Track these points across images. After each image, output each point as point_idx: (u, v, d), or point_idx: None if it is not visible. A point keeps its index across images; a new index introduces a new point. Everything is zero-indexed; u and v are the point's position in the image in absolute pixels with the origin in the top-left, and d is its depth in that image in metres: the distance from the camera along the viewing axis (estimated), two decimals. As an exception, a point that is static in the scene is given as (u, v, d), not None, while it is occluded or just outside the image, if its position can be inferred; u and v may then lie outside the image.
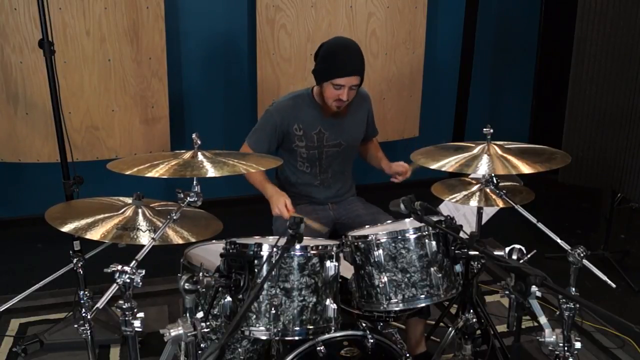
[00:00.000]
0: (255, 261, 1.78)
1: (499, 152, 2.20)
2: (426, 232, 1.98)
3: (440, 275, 1.98)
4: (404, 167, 2.72)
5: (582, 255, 1.81)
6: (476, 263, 2.08)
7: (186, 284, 1.66)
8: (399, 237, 1.98)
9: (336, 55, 2.53)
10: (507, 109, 5.06)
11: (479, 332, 2.27)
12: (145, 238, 1.80)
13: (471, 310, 2.22)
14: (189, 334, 1.67)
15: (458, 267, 2.05)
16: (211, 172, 1.84)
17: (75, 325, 1.96)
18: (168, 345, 1.81)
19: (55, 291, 3.17)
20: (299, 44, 3.94)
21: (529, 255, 1.80)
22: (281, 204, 2.43)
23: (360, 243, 2.00)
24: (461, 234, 1.94)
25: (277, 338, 1.84)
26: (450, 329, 2.26)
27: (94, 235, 1.79)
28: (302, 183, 2.75)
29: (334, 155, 2.72)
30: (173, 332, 1.66)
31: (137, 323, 1.63)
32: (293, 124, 2.63)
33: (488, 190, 2.30)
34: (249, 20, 4.09)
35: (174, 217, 1.78)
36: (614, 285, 1.95)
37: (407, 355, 2.00)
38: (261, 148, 2.64)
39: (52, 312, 3.06)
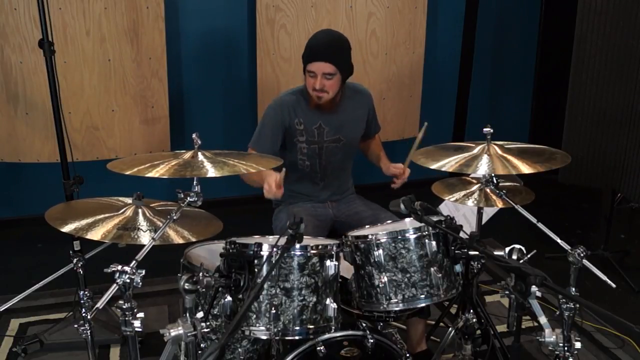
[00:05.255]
0: (255, 261, 1.78)
1: (499, 152, 2.20)
2: (426, 232, 1.98)
3: (440, 275, 1.98)
4: (400, 168, 2.70)
5: (582, 255, 1.81)
6: (476, 263, 2.07)
7: (186, 284, 1.66)
8: (399, 237, 1.98)
9: (311, 42, 2.59)
10: (507, 109, 5.06)
11: (479, 332, 2.27)
12: (145, 238, 1.80)
13: (471, 310, 2.22)
14: (189, 334, 1.67)
15: (458, 267, 2.05)
16: (211, 172, 1.84)
17: (75, 325, 1.96)
18: (168, 345, 1.81)
19: (55, 291, 3.17)
20: (299, 44, 3.94)
21: (529, 255, 1.80)
22: (271, 179, 2.32)
23: (360, 243, 2.00)
24: (461, 234, 1.94)
25: (277, 338, 1.84)
26: (450, 329, 2.26)
27: (94, 235, 1.80)
28: (301, 181, 2.75)
29: (334, 151, 2.72)
30: (173, 332, 1.66)
31: (137, 323, 1.64)
32: (294, 118, 2.64)
33: (488, 190, 2.30)
34: (249, 20, 4.09)
35: (174, 217, 1.78)
36: (614, 285, 1.95)
37: (407, 355, 2.00)
38: (264, 147, 2.60)
39: (52, 312, 3.06)
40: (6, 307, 1.95)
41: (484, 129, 2.24)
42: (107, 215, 1.89)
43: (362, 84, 2.88)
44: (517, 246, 1.78)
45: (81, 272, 2.02)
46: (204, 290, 1.73)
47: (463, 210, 2.99)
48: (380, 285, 1.97)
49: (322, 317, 1.86)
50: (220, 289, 1.76)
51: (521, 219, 2.06)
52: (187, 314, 1.69)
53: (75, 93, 3.57)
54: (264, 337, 1.84)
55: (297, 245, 1.78)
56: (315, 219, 2.64)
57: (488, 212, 2.82)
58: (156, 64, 3.73)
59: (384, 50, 4.16)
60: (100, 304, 1.59)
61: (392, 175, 2.74)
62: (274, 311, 1.80)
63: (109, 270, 1.59)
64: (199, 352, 1.76)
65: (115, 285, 1.59)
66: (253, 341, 2.03)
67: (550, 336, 1.77)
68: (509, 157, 2.17)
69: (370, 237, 1.98)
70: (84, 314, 1.94)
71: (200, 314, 1.71)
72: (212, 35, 4.14)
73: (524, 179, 2.44)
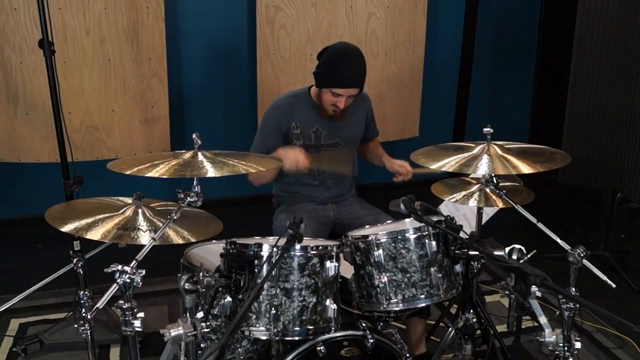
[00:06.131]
0: (256, 261, 1.78)
1: (499, 152, 2.20)
2: (426, 232, 1.98)
3: (440, 275, 1.98)
4: (406, 168, 2.69)
5: (582, 255, 1.81)
6: (476, 263, 2.07)
7: (186, 284, 1.66)
8: (399, 237, 1.97)
9: (338, 64, 2.52)
10: (507, 109, 5.06)
11: (479, 332, 2.27)
12: (145, 238, 1.80)
13: (471, 310, 2.22)
14: (189, 334, 1.67)
15: (458, 267, 2.05)
16: (211, 172, 1.84)
17: (75, 325, 1.96)
18: (168, 345, 1.82)
19: (55, 291, 3.17)
20: (299, 44, 3.94)
21: (529, 255, 1.80)
22: (298, 156, 2.46)
23: (360, 243, 2.00)
24: (461, 234, 1.94)
25: (277, 338, 1.84)
26: (450, 329, 2.26)
27: (94, 235, 1.80)
28: (301, 183, 2.75)
29: (332, 155, 2.72)
30: (173, 332, 1.66)
31: (137, 323, 1.63)
32: (291, 122, 2.64)
33: (488, 190, 2.30)
34: (249, 20, 4.09)
35: (174, 217, 1.78)
36: (614, 285, 1.95)
37: (407, 355, 2.00)
38: (265, 151, 2.60)
39: (52, 312, 3.06)
40: (6, 307, 1.95)
41: (484, 129, 2.24)
42: (107, 215, 1.89)
43: (367, 89, 2.87)
44: (517, 246, 1.78)
45: (81, 272, 2.02)
46: (204, 290, 1.73)
47: (463, 210, 2.99)
48: (380, 285, 1.96)
49: (322, 318, 1.86)
50: (220, 289, 1.76)
51: (521, 219, 2.06)
52: (187, 314, 1.69)
53: (75, 93, 3.57)
54: (264, 338, 1.85)
55: (297, 246, 1.78)
56: (316, 221, 2.64)
57: (488, 212, 2.82)
58: (156, 64, 3.73)
59: (384, 50, 4.16)
60: (100, 304, 1.59)
61: (395, 172, 2.72)
62: (274, 311, 1.80)
63: (109, 270, 1.59)
64: (199, 352, 1.76)
65: (115, 285, 1.59)
66: (253, 341, 2.03)
67: (550, 336, 1.77)
68: (509, 157, 2.17)
69: (370, 237, 1.98)
70: (84, 314, 1.94)
71: (200, 314, 1.71)
72: (212, 35, 4.14)
73: (524, 179, 2.45)
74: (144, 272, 1.60)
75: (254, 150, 2.64)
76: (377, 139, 2.98)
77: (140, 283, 1.60)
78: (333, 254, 1.90)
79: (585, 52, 3.37)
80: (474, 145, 2.27)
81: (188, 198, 1.82)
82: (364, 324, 1.99)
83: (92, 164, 3.54)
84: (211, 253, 2.06)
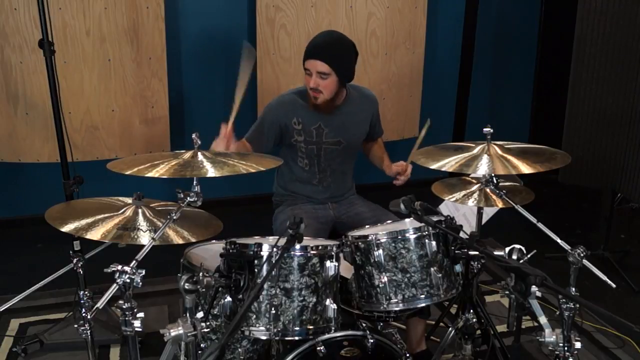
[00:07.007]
0: (255, 261, 1.78)
1: (499, 152, 2.20)
2: (426, 232, 1.97)
3: (440, 275, 1.98)
4: (401, 165, 2.68)
5: (582, 255, 1.81)
6: (476, 263, 2.07)
7: (186, 284, 1.66)
8: (399, 237, 1.97)
9: (310, 41, 2.60)
10: (507, 109, 5.06)
11: (479, 332, 2.27)
12: (145, 238, 1.80)
13: (471, 310, 2.22)
14: (189, 334, 1.67)
15: (458, 267, 2.05)
16: (211, 172, 1.84)
17: (75, 325, 1.96)
18: (168, 345, 1.82)
19: (55, 291, 3.17)
20: (299, 44, 3.94)
21: (529, 255, 1.80)
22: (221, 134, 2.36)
23: (360, 243, 2.00)
24: (461, 234, 1.94)
25: (277, 338, 1.84)
26: (450, 329, 2.26)
27: (94, 235, 1.80)
28: (301, 181, 2.75)
29: (334, 154, 2.72)
30: (173, 332, 1.66)
31: (137, 323, 1.63)
32: (292, 117, 2.64)
33: (488, 190, 2.30)
34: (249, 20, 4.09)
35: (174, 217, 1.78)
36: (614, 285, 1.95)
37: (407, 355, 2.00)
38: (257, 140, 2.64)
39: (52, 312, 3.06)
40: (6, 307, 1.96)
41: (484, 129, 2.24)
42: (107, 215, 1.89)
43: (368, 88, 2.88)
44: (517, 246, 1.78)
45: (81, 272, 2.02)
46: (204, 290, 1.73)
47: (463, 210, 2.99)
48: (380, 285, 1.96)
49: (322, 318, 1.86)
50: (220, 289, 1.76)
51: (521, 219, 2.06)
52: (187, 314, 1.69)
53: (75, 93, 3.57)
54: (264, 338, 1.84)
55: (297, 246, 1.78)
56: (317, 221, 2.64)
57: (488, 212, 2.82)
58: (156, 64, 3.73)
59: (384, 50, 4.16)
60: (100, 304, 1.59)
61: (395, 173, 2.70)
62: (273, 311, 1.80)
63: (109, 270, 1.59)
64: (199, 352, 1.76)
65: (115, 285, 1.59)
66: (253, 341, 2.03)
67: (550, 336, 1.77)
68: (509, 157, 2.17)
69: (370, 237, 1.98)
70: (84, 314, 1.94)
71: (200, 314, 1.71)
72: (212, 35, 4.14)
73: (524, 179, 2.45)
74: (144, 272, 1.60)
75: (250, 137, 2.67)
76: (380, 140, 2.98)
77: (140, 283, 1.60)
78: (333, 253, 1.90)
79: (585, 52, 3.37)
80: (474, 145, 2.27)
81: (188, 198, 1.82)
82: (364, 324, 1.99)
83: (92, 164, 3.54)
84: (211, 253, 2.06)
